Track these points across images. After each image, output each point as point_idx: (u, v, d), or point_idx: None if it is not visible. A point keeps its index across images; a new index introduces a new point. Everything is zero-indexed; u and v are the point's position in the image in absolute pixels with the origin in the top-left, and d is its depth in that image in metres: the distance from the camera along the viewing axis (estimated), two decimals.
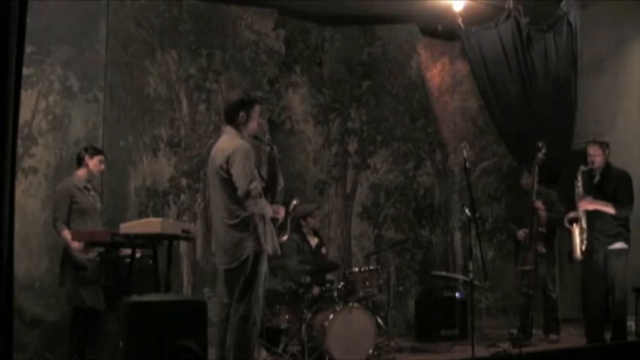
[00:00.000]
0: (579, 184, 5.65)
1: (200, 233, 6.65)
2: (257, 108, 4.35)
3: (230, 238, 4.10)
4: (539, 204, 6.17)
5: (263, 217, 4.14)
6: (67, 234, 4.99)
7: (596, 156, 5.65)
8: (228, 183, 4.09)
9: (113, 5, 6.36)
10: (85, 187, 5.23)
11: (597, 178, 5.69)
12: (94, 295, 4.95)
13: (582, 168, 5.70)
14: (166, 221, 4.79)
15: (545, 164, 6.22)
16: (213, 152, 4.29)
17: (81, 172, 5.26)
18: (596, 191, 5.64)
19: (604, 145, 5.69)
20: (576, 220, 5.59)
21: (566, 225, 5.69)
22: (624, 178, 5.64)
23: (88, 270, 4.99)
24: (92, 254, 4.99)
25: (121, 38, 6.44)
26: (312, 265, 5.75)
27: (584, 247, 5.57)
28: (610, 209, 5.49)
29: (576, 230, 5.59)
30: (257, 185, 4.06)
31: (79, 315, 5.00)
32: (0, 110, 2.21)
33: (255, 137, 4.52)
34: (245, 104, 4.27)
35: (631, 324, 6.15)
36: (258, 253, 4.08)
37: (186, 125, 6.80)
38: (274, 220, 4.30)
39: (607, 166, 5.69)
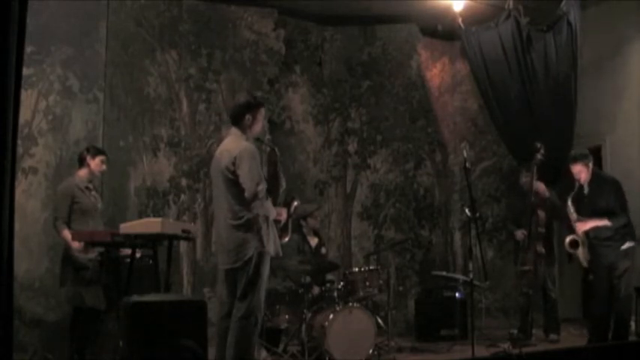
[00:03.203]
0: (572, 210, 5.55)
1: (200, 233, 6.65)
2: (262, 111, 4.39)
3: (233, 238, 4.12)
4: (540, 185, 6.16)
5: (266, 218, 4.16)
6: (67, 234, 5.00)
7: (580, 172, 5.52)
8: (233, 184, 4.10)
9: (113, 5, 6.37)
10: (87, 187, 5.24)
11: (587, 190, 5.57)
12: (94, 295, 4.95)
13: (572, 194, 5.59)
14: (166, 221, 4.78)
15: (543, 165, 6.22)
16: (217, 153, 4.31)
17: (82, 172, 5.27)
18: (589, 205, 5.52)
19: (586, 159, 5.54)
20: (577, 243, 5.53)
21: (568, 250, 5.58)
22: (614, 186, 5.51)
23: (88, 270, 4.99)
24: (92, 254, 5.00)
25: (121, 38, 6.44)
26: (312, 265, 5.74)
27: (588, 258, 5.53)
28: (605, 222, 5.38)
29: (579, 251, 5.53)
30: (263, 187, 4.09)
31: (79, 315, 5.00)
32: (0, 110, 2.21)
33: (257, 139, 4.53)
34: (251, 107, 4.29)
35: (631, 324, 6.12)
36: (261, 254, 4.10)
37: (186, 125, 6.80)
38: (277, 221, 4.32)
39: (594, 176, 5.55)
